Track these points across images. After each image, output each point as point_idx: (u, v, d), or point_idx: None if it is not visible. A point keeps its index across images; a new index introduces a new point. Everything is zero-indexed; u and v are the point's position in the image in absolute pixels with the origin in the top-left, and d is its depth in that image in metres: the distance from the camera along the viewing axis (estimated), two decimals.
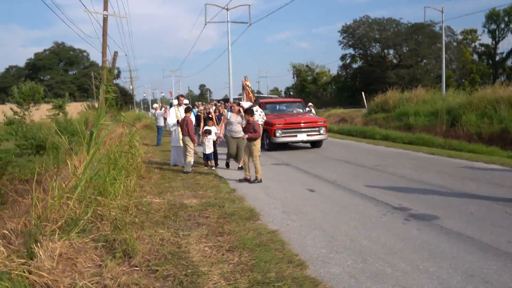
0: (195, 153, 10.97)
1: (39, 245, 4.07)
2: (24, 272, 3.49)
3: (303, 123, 14.13)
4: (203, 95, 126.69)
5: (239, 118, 10.18)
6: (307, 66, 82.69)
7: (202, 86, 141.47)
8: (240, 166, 10.46)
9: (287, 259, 4.44)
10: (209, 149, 10.88)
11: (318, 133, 14.15)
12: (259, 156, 9.30)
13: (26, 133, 13.19)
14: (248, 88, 20.42)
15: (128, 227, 5.22)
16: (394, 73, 56.68)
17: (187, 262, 4.37)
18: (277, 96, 76.42)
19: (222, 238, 5.15)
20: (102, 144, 8.02)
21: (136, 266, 4.27)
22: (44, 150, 12.53)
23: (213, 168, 10.87)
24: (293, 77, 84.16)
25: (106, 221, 5.34)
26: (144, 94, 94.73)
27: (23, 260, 3.67)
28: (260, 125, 13.23)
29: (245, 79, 20.83)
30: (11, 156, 10.39)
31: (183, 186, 8.54)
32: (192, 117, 11.13)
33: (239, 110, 10.42)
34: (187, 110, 10.45)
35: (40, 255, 3.93)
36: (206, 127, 11.15)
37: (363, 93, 30.53)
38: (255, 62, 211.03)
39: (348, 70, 68.80)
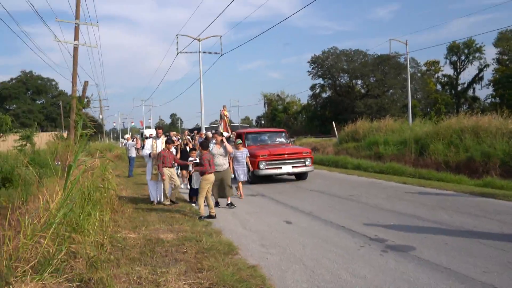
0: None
1: (11, 287, 3.90)
2: None
3: (287, 154, 13.57)
4: (174, 125, 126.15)
5: (221, 150, 9.55)
6: (277, 95, 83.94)
7: (173, 115, 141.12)
8: (229, 202, 9.75)
9: None
10: (198, 184, 9.72)
11: (303, 164, 13.59)
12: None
13: None
14: (226, 118, 20.43)
15: (103, 265, 5.07)
16: (362, 102, 58.19)
17: None
18: (248, 125, 76.88)
19: (201, 274, 5.05)
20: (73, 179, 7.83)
21: None
22: (10, 183, 12.13)
23: (194, 204, 10.10)
24: (264, 106, 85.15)
25: (80, 259, 5.17)
26: (114, 124, 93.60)
27: None
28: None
29: (223, 108, 20.83)
30: None
31: (158, 220, 8.38)
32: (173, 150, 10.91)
33: (222, 141, 9.72)
34: (167, 142, 10.13)
35: None
36: (194, 160, 10.43)
37: (333, 122, 31.09)
38: (227, 91, 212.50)
39: (318, 100, 70.18)
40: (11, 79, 78.44)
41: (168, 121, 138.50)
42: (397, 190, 11.25)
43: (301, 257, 5.76)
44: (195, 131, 24.85)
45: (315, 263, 5.48)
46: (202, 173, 8.60)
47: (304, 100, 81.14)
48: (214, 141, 14.00)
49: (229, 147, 9.70)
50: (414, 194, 10.56)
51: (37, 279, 4.24)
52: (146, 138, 17.17)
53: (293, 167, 13.48)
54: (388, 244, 6.20)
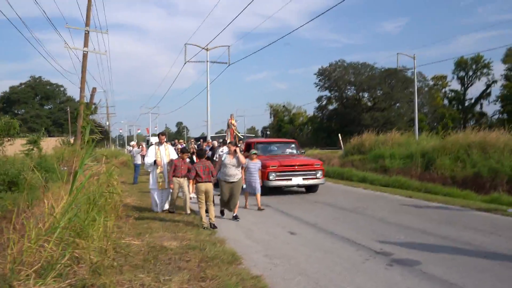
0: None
1: None
2: None
3: (298, 165, 13.14)
4: (180, 133, 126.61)
5: (234, 160, 9.17)
6: (284, 106, 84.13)
7: (179, 124, 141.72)
8: (234, 214, 9.40)
9: None
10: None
11: (314, 177, 13.19)
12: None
13: None
14: (233, 126, 20.23)
15: (107, 271, 5.04)
16: (368, 115, 58.21)
17: None
18: (253, 135, 76.94)
19: (204, 283, 5.01)
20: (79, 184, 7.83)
21: None
22: (16, 187, 12.15)
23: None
24: (270, 117, 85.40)
25: (84, 264, 5.15)
26: (120, 131, 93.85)
27: None
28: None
29: (231, 117, 20.54)
30: None
31: (162, 227, 8.34)
32: (175, 155, 10.51)
33: (235, 151, 9.25)
34: (182, 152, 10.10)
35: None
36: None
37: (339, 134, 31.04)
38: (233, 101, 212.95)
39: (324, 112, 70.29)
40: (21, 84, 79.27)
41: (174, 129, 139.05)
42: (403, 204, 11.16)
43: (305, 268, 5.70)
44: (201, 140, 24.85)
45: (319, 275, 5.42)
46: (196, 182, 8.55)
47: (310, 112, 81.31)
48: (220, 149, 14.04)
49: (242, 158, 9.32)
50: (420, 208, 10.47)
51: (40, 283, 4.22)
52: (151, 145, 17.16)
53: (303, 179, 13.06)
54: (393, 258, 6.13)
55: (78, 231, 5.66)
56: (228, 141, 15.41)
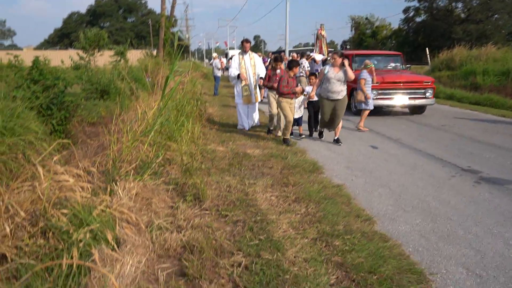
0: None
1: (117, 184, 4.28)
2: (108, 208, 3.69)
3: (404, 82, 11.34)
4: (257, 46, 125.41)
5: (340, 74, 7.77)
6: (366, 18, 79.28)
7: (256, 37, 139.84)
8: (336, 138, 8.22)
9: (354, 213, 4.43)
10: (299, 113, 8.86)
11: (423, 96, 11.36)
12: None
13: (91, 77, 13.64)
14: (323, 38, 18.51)
15: (196, 172, 5.38)
16: (461, 28, 53.11)
17: (255, 209, 4.47)
18: (332, 49, 74.26)
19: (287, 188, 5.20)
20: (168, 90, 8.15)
21: (207, 210, 4.42)
22: (108, 95, 13.02)
23: (303, 136, 8.85)
24: (351, 30, 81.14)
25: (175, 165, 5.54)
26: (199, 44, 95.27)
27: (107, 197, 3.87)
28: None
29: (321, 27, 18.19)
30: (81, 100, 10.82)
31: (244, 136, 8.61)
32: (262, 67, 9.31)
33: (343, 63, 7.80)
34: (275, 60, 8.58)
35: (119, 193, 4.15)
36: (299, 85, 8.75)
37: (427, 49, 28.95)
38: (312, 14, 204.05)
39: (410, 24, 65.14)
40: None
41: (251, 43, 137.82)
42: (494, 123, 10.45)
43: (387, 182, 5.68)
44: (282, 53, 24.39)
45: (402, 189, 5.38)
46: (283, 94, 7.71)
47: (395, 24, 76.13)
48: (302, 60, 13.77)
49: (351, 73, 7.78)
50: None
51: (138, 179, 4.62)
52: (231, 58, 17.16)
53: (410, 98, 11.29)
54: (481, 176, 5.89)
55: (169, 135, 6.02)
56: (314, 54, 14.98)
